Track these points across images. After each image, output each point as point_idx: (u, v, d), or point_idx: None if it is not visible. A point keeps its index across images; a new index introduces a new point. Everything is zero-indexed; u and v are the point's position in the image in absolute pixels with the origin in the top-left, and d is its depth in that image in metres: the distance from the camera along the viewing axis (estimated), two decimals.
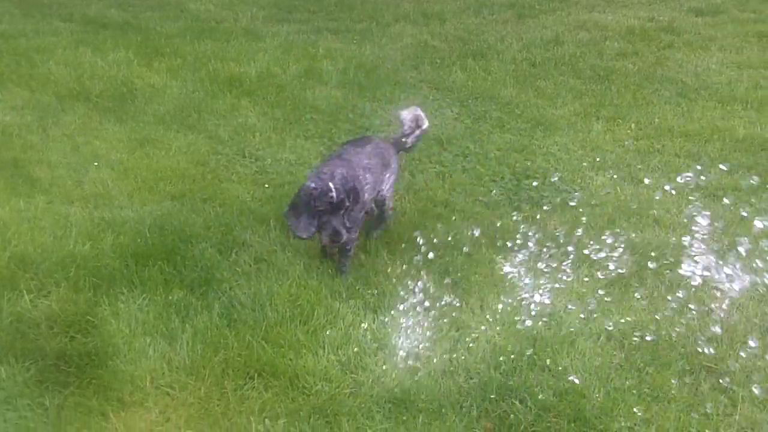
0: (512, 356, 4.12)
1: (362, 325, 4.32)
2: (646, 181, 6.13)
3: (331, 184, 4.45)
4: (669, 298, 4.66)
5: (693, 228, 4.78)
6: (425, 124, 5.43)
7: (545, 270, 4.88)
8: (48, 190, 5.65)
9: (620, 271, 4.87)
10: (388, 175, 5.12)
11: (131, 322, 4.22)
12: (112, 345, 4.05)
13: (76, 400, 3.72)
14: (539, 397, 3.84)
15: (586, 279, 4.79)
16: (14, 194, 5.53)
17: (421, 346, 4.18)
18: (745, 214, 5.42)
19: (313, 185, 4.48)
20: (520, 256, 5.00)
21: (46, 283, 4.52)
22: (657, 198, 5.83)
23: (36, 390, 3.79)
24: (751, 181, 5.91)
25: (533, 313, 4.47)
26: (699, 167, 6.30)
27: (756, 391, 3.91)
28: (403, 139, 5.40)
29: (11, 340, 4.09)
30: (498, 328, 4.34)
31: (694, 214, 5.09)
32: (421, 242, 4.83)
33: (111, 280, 4.55)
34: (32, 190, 5.62)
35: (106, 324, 4.19)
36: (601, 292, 4.68)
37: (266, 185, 5.88)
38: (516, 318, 4.43)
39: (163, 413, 3.69)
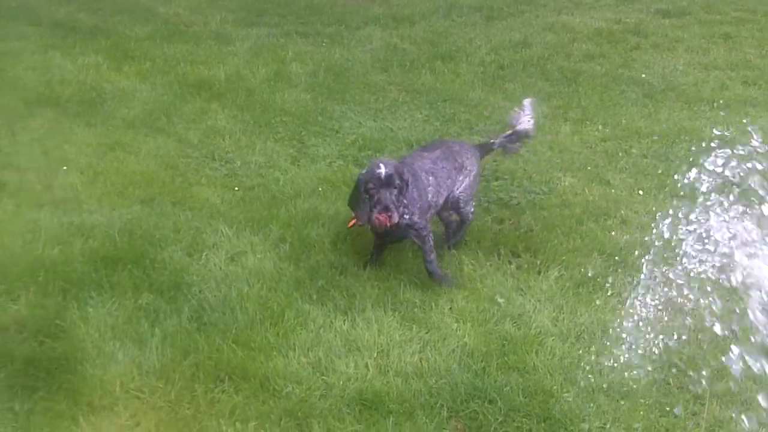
0: (482, 357, 4.15)
1: (333, 326, 4.33)
2: (614, 181, 6.18)
3: (380, 164, 4.62)
4: (637, 297, 4.72)
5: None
6: (522, 125, 5.58)
7: (514, 270, 4.92)
8: (16, 194, 5.62)
9: (589, 271, 4.92)
10: (461, 178, 5.12)
11: (101, 326, 4.21)
12: (81, 349, 4.04)
13: (46, 405, 3.71)
14: (509, 397, 3.87)
15: (555, 279, 4.83)
16: None
17: (390, 346, 4.20)
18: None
19: (363, 171, 4.72)
20: (489, 256, 5.04)
21: (14, 288, 4.50)
22: (625, 199, 5.87)
23: (5, 395, 3.77)
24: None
25: (502, 313, 4.51)
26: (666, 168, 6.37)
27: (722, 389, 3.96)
28: (491, 140, 5.61)
29: None
30: (467, 328, 4.36)
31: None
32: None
33: (80, 285, 4.53)
34: (0, 195, 5.58)
35: (76, 328, 4.18)
36: (570, 292, 4.73)
37: (236, 188, 5.88)
38: (485, 318, 4.46)
39: (133, 417, 3.69)
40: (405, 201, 4.63)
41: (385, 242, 4.99)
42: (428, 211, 4.93)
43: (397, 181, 4.58)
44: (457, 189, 5.11)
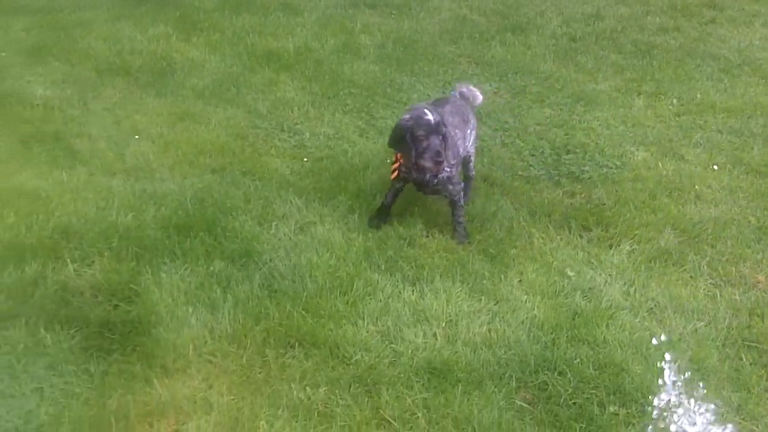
0: (551, 329, 4.13)
1: (401, 296, 4.33)
2: (688, 156, 6.07)
3: (425, 110, 4.59)
4: (709, 273, 4.65)
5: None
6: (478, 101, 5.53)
7: (585, 244, 4.87)
8: (89, 162, 5.70)
9: (661, 245, 4.85)
10: (469, 131, 5.15)
11: (173, 291, 4.27)
12: (155, 313, 4.10)
13: (121, 367, 3.78)
14: (578, 369, 3.84)
15: (627, 253, 4.77)
16: (56, 166, 5.59)
17: (458, 317, 4.19)
18: None
19: (407, 116, 4.65)
20: (560, 230, 4.99)
21: (89, 253, 4.58)
22: (699, 174, 5.77)
23: (81, 356, 3.85)
24: None
25: (572, 286, 4.47)
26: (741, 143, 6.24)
27: None
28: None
29: (56, 308, 4.15)
30: (537, 300, 4.33)
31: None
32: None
33: (153, 251, 4.60)
34: (74, 163, 5.67)
35: (149, 293, 4.24)
36: (642, 266, 4.67)
37: (305, 159, 5.90)
38: (555, 291, 4.43)
39: (206, 380, 3.74)
40: (447, 152, 4.64)
41: (400, 191, 5.05)
42: (458, 166, 5.00)
43: (443, 129, 4.59)
44: (468, 143, 5.17)
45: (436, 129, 4.54)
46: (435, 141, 4.54)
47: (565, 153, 6.05)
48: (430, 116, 4.53)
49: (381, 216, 5.04)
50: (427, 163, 4.61)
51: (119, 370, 3.76)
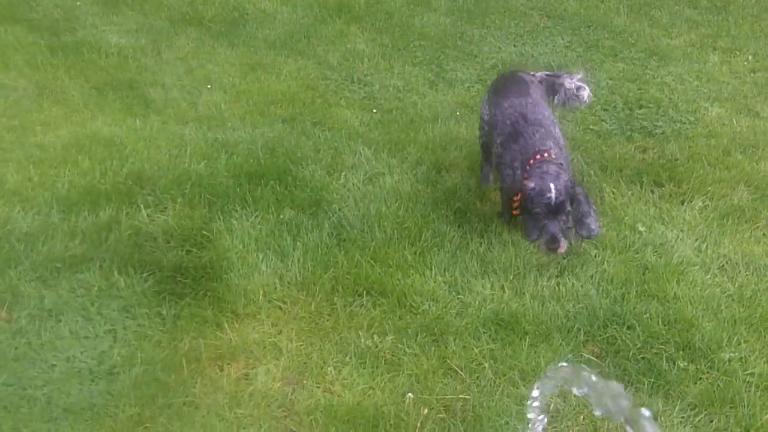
0: (621, 284, 4.10)
1: (469, 248, 4.33)
2: (764, 113, 5.94)
3: (551, 184, 4.04)
4: None
5: None
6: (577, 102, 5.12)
7: (657, 199, 4.81)
8: (162, 111, 5.77)
9: (735, 202, 4.77)
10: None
11: (244, 238, 4.32)
12: (226, 259, 4.16)
13: (192, 311, 3.85)
14: (647, 324, 3.81)
15: (699, 210, 4.70)
16: (130, 114, 5.67)
17: (526, 270, 4.18)
18: None
19: (531, 185, 4.07)
20: (631, 185, 4.93)
21: (162, 199, 4.65)
22: None
23: (153, 300, 3.93)
24: None
25: (643, 242, 4.42)
26: None
27: None
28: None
29: (130, 252, 4.23)
30: (607, 255, 4.30)
31: None
32: None
33: (225, 198, 4.65)
34: (147, 111, 5.75)
35: (221, 239, 4.31)
36: (714, 223, 4.60)
37: (374, 110, 5.90)
38: (625, 246, 4.39)
39: (275, 326, 3.80)
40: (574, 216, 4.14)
41: None
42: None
43: (568, 207, 4.08)
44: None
45: (557, 210, 4.03)
46: (553, 226, 4.06)
47: (638, 108, 5.95)
48: (552, 193, 3.99)
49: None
50: (541, 247, 4.13)
51: (191, 314, 3.83)
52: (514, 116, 4.45)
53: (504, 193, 4.41)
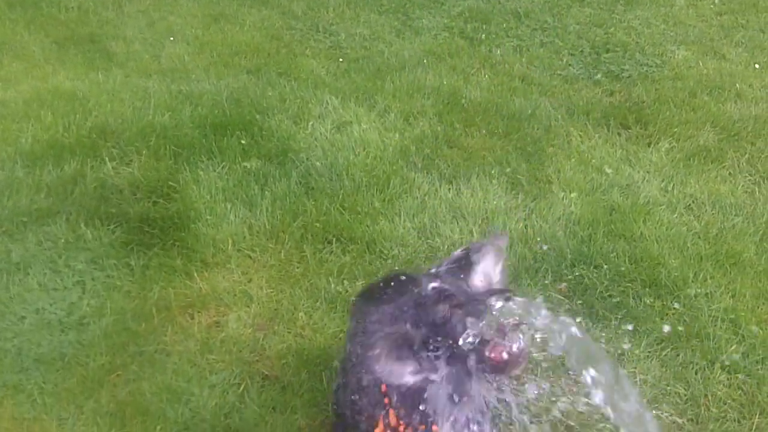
0: (588, 225, 4.12)
1: (438, 194, 4.33)
2: (729, 55, 5.97)
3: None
4: (748, 170, 4.61)
5: None
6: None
7: (624, 142, 4.83)
8: (125, 64, 5.71)
9: (701, 143, 4.80)
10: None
11: (212, 188, 4.30)
12: (193, 209, 4.13)
13: (161, 261, 3.83)
14: (615, 263, 3.85)
15: (666, 151, 4.73)
16: (92, 68, 5.60)
17: (495, 214, 4.20)
18: None
19: None
20: (598, 128, 4.95)
21: (127, 152, 4.60)
22: (740, 72, 5.68)
23: (121, 251, 3.90)
24: None
25: (610, 183, 4.44)
26: None
27: None
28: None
29: (96, 204, 4.19)
30: (574, 197, 4.32)
31: None
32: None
33: (191, 149, 4.61)
34: (109, 64, 5.68)
35: (188, 190, 4.28)
36: (680, 164, 4.63)
37: (341, 60, 5.86)
38: (592, 188, 4.41)
39: (245, 274, 3.79)
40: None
41: None
42: None
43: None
44: None
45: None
46: None
47: (605, 52, 5.96)
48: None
49: None
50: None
51: (159, 264, 3.81)
52: None
53: None
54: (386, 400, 2.26)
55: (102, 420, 3.05)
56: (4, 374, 3.25)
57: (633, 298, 3.64)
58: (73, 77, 5.44)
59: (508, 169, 4.54)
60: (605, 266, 3.82)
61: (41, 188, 4.29)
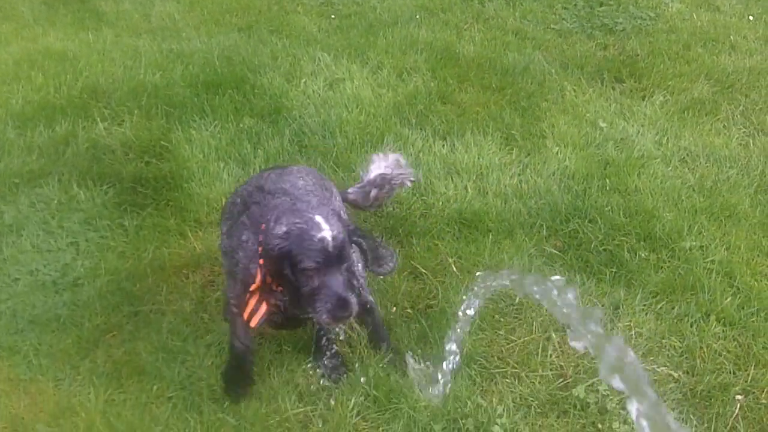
0: (582, 179, 4.11)
1: (432, 150, 4.31)
2: (723, 7, 5.93)
3: (315, 217, 2.66)
4: (743, 123, 4.60)
5: None
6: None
7: (618, 95, 4.81)
8: (115, 23, 5.67)
9: (695, 96, 4.78)
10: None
11: (204, 147, 4.28)
12: (186, 169, 4.12)
13: (155, 221, 3.82)
14: (609, 217, 3.84)
15: (660, 104, 4.71)
16: (82, 28, 5.57)
17: (489, 169, 4.18)
18: None
19: (281, 229, 2.65)
20: (592, 82, 4.93)
21: (119, 112, 4.58)
22: (734, 24, 5.65)
23: (115, 212, 3.89)
24: None
25: (604, 137, 4.43)
26: None
27: None
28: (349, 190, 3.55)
29: (88, 165, 4.18)
30: (568, 151, 4.30)
31: None
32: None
33: (182, 108, 4.59)
34: (99, 24, 5.65)
35: (180, 149, 4.26)
36: (675, 116, 4.61)
37: (332, 16, 5.82)
38: (586, 142, 4.39)
39: None
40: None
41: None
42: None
43: (349, 251, 2.72)
44: None
45: (338, 258, 2.61)
46: (335, 282, 2.60)
47: (599, 5, 5.91)
48: (326, 233, 2.59)
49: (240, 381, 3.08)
50: (322, 317, 2.63)
51: (153, 224, 3.81)
52: (247, 190, 3.05)
53: (232, 289, 2.92)
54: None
55: (98, 380, 3.05)
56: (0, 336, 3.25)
57: (628, 252, 3.64)
58: (63, 38, 5.40)
59: (502, 125, 4.52)
60: (600, 220, 3.82)
61: (33, 149, 4.27)
